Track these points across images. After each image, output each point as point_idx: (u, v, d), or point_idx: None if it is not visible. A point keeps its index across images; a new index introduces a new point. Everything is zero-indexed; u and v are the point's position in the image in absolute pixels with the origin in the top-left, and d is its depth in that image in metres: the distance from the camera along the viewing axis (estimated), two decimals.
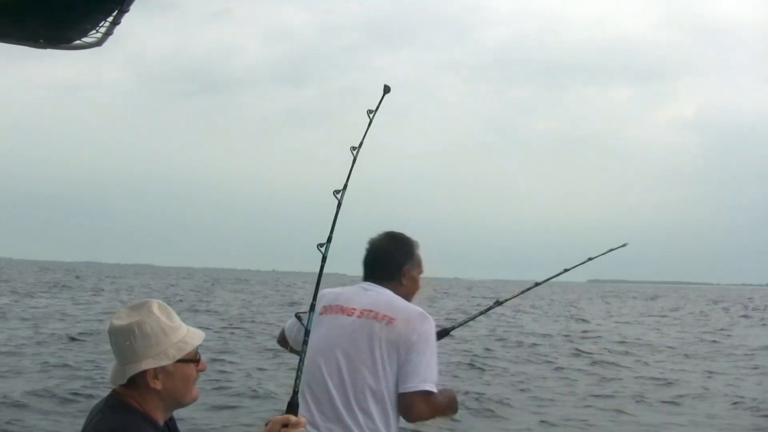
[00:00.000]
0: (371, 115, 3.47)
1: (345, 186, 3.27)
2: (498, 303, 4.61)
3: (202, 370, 2.57)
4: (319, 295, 3.62)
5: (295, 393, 2.79)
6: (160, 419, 2.50)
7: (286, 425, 2.68)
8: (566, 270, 4.89)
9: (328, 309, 3.61)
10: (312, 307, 2.98)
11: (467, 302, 50.81)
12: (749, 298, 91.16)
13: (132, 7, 2.69)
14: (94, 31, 2.77)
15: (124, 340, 2.43)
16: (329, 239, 3.11)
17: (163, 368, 2.44)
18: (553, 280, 4.84)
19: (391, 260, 3.74)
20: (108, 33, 2.75)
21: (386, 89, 3.50)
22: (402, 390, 3.45)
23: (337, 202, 3.19)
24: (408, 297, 3.71)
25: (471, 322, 4.68)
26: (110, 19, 2.68)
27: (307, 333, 2.89)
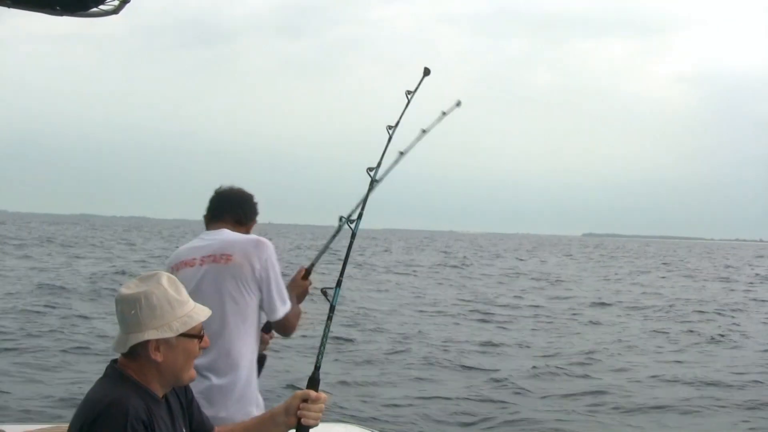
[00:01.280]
0: (410, 96, 3.43)
1: (379, 164, 3.26)
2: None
3: (204, 348, 2.57)
4: (169, 259, 3.84)
5: (317, 368, 2.79)
6: (159, 392, 2.49)
7: (305, 400, 2.71)
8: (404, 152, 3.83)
9: (174, 268, 3.75)
10: (339, 283, 2.98)
11: None
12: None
13: None
14: None
15: (130, 309, 2.41)
16: (360, 216, 3.11)
17: (165, 340, 2.43)
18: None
19: (249, 206, 3.97)
20: (125, 1, 2.68)
21: (426, 72, 3.48)
22: (272, 319, 3.77)
23: (369, 179, 3.18)
24: None
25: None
26: None
27: (332, 309, 2.88)
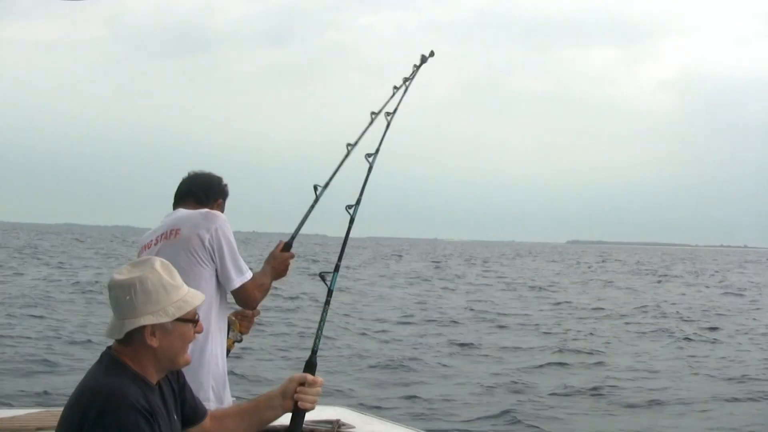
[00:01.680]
0: (407, 83, 3.46)
1: (377, 150, 3.28)
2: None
3: (199, 332, 2.56)
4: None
5: (314, 352, 2.79)
6: (154, 378, 2.47)
7: (302, 384, 2.70)
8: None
9: (138, 254, 3.76)
10: (337, 268, 2.97)
11: None
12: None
13: None
14: None
15: (125, 295, 2.39)
16: (358, 201, 3.12)
17: (161, 326, 2.41)
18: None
19: (209, 186, 3.97)
20: None
21: (423, 58, 3.51)
22: (228, 289, 3.74)
23: (368, 165, 3.22)
24: None
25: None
26: None
27: (329, 293, 2.88)
